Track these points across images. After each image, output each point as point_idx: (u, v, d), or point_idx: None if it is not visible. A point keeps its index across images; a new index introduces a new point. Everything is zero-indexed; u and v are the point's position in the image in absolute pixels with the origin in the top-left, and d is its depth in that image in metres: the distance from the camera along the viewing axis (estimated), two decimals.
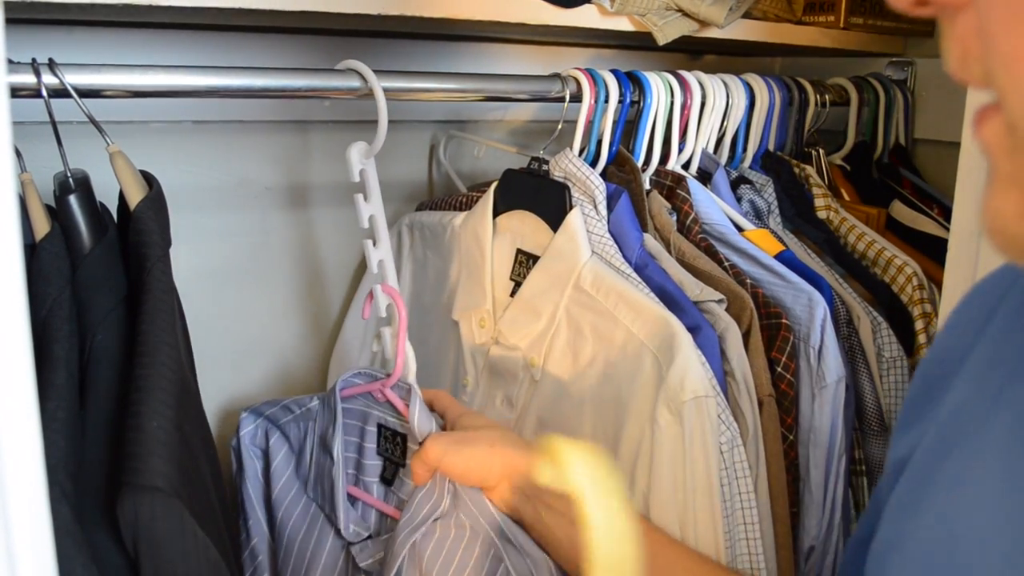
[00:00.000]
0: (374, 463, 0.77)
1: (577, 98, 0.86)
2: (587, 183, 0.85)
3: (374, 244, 0.77)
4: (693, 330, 0.75)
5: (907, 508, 0.41)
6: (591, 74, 0.87)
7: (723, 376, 0.76)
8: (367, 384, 0.76)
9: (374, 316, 0.79)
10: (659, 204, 0.89)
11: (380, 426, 0.76)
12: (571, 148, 0.87)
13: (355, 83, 0.73)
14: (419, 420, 0.71)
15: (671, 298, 0.78)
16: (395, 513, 0.74)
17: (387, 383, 0.74)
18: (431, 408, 0.74)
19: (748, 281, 0.83)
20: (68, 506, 0.47)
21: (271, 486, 0.79)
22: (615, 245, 0.82)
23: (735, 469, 0.73)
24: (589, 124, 0.88)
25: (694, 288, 0.80)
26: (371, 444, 0.77)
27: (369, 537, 0.75)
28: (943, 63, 0.27)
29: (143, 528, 0.48)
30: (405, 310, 0.75)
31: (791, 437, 0.80)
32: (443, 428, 0.73)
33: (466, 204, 0.95)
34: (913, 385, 0.49)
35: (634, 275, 0.80)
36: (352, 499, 0.77)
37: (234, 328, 1.02)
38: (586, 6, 0.87)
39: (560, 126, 0.87)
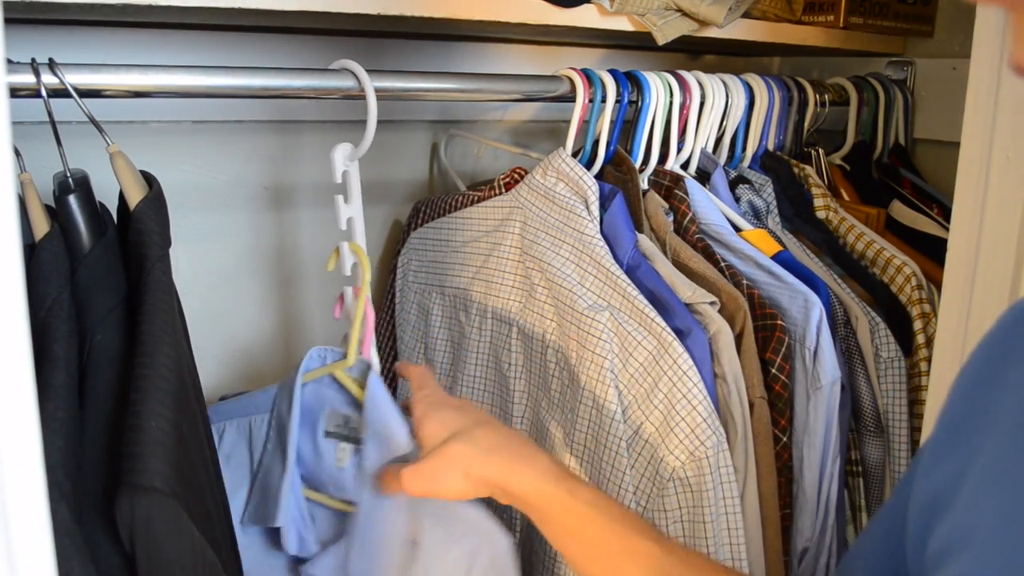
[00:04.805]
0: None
1: (574, 98, 0.86)
2: (579, 183, 0.84)
3: (349, 240, 0.78)
4: (682, 333, 0.75)
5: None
6: (586, 74, 0.87)
7: (713, 379, 0.76)
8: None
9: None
10: (656, 204, 0.89)
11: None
12: (563, 147, 0.86)
13: (353, 83, 0.73)
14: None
15: (661, 300, 0.78)
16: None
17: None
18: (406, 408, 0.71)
19: (744, 282, 0.83)
20: (67, 506, 0.47)
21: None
22: (606, 246, 0.82)
23: (719, 474, 0.72)
24: (583, 124, 0.88)
25: (686, 290, 0.80)
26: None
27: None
28: (1010, 57, 0.31)
29: (139, 528, 0.48)
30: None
31: (785, 439, 0.80)
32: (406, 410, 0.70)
33: (464, 203, 0.95)
34: (948, 410, 0.46)
35: (623, 277, 0.79)
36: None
37: (234, 328, 1.02)
38: (586, 6, 0.88)
39: (564, 126, 0.87)
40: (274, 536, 0.73)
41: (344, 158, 0.75)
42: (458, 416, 0.66)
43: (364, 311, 0.74)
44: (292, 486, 0.72)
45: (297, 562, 0.73)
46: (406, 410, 0.70)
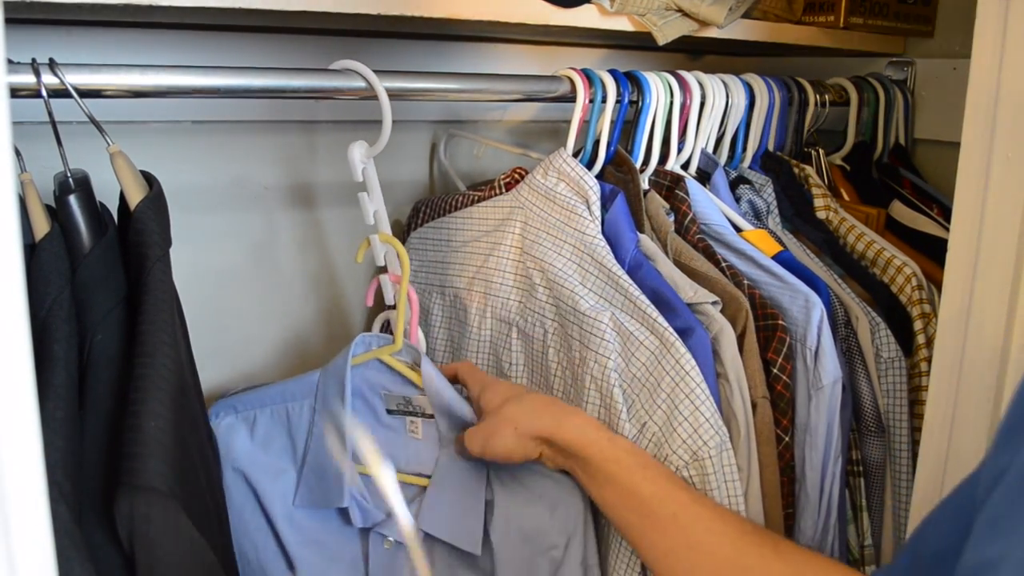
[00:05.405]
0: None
1: (575, 98, 0.86)
2: (580, 183, 0.84)
3: (376, 229, 0.80)
4: (685, 332, 0.75)
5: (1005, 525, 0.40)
6: (587, 74, 0.87)
7: (715, 378, 0.76)
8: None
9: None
10: (656, 204, 0.89)
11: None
12: (564, 148, 0.86)
13: (357, 83, 0.73)
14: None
15: (663, 300, 0.78)
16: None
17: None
18: (453, 381, 0.77)
19: (745, 282, 0.83)
20: (66, 506, 0.47)
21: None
22: (607, 246, 0.82)
23: (723, 473, 0.72)
24: (584, 124, 0.88)
25: (688, 290, 0.80)
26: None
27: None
28: None
29: (138, 528, 0.48)
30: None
31: (787, 439, 0.80)
32: (467, 398, 0.77)
33: (464, 203, 0.95)
34: (1018, 397, 0.46)
35: (625, 277, 0.79)
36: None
37: (234, 328, 1.02)
38: (586, 6, 0.88)
39: (564, 126, 0.87)
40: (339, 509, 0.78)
41: (361, 155, 0.76)
42: (510, 387, 0.76)
43: (408, 297, 0.77)
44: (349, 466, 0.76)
45: (365, 529, 0.78)
46: (454, 381, 0.77)
